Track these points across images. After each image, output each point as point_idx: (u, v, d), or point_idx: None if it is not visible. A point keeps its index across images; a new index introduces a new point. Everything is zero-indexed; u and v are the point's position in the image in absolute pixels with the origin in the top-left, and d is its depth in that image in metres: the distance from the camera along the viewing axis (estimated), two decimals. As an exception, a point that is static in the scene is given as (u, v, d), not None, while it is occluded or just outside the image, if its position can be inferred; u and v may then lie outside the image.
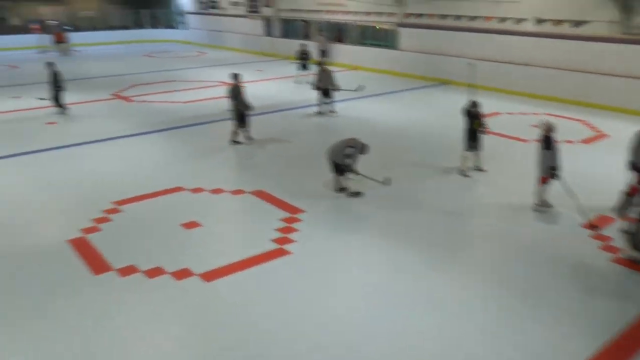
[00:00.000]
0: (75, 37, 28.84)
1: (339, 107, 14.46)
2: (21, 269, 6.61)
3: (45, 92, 14.82)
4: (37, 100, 14.96)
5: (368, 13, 21.72)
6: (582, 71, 15.30)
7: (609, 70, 14.77)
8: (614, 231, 7.19)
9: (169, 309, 5.76)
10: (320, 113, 14.21)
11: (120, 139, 12.29)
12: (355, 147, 8.51)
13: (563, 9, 15.72)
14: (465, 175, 9.59)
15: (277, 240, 7.21)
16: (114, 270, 6.51)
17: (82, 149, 11.57)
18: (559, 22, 15.86)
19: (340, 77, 15.61)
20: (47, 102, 14.57)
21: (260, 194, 8.86)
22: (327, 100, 14.14)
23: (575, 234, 7.38)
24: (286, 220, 7.85)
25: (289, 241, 7.19)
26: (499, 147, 11.13)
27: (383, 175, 8.97)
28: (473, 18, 18.08)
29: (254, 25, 27.95)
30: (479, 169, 9.75)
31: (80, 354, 5.05)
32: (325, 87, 13.98)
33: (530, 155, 9.14)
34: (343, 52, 22.79)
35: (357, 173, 8.63)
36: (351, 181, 8.74)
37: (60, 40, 27.56)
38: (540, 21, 16.31)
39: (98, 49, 29.62)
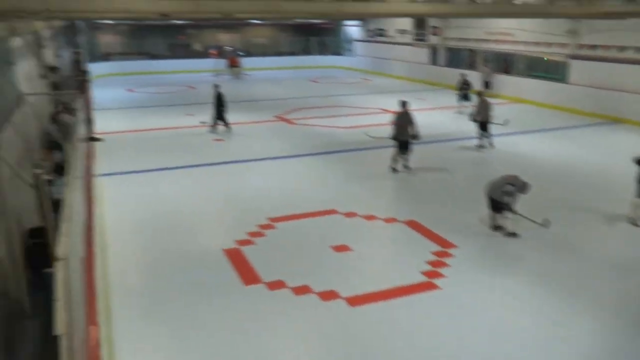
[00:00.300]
0: (247, 62, 31.36)
1: (498, 141, 13.88)
2: (182, 271, 7.25)
3: (210, 112, 16.01)
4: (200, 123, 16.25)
5: (537, 43, 20.68)
6: None
7: None
8: None
9: (314, 330, 5.92)
10: (480, 147, 13.77)
11: (280, 159, 13.01)
12: (516, 185, 8.08)
13: None
14: (636, 225, 8.62)
15: (426, 273, 7.08)
16: (263, 283, 6.87)
17: (244, 166, 12.43)
18: None
19: (499, 109, 15.03)
20: (207, 122, 15.74)
21: (413, 224, 8.79)
22: (486, 134, 13.66)
23: None
24: (437, 253, 7.68)
25: (439, 275, 7.03)
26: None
27: (542, 216, 8.38)
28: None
29: (420, 54, 28.08)
30: (653, 220, 8.69)
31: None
32: (483, 120, 13.55)
33: None
34: (507, 84, 21.89)
35: (515, 212, 8.18)
36: (508, 220, 8.30)
37: (233, 65, 30.18)
38: None
39: (267, 73, 31.75)
